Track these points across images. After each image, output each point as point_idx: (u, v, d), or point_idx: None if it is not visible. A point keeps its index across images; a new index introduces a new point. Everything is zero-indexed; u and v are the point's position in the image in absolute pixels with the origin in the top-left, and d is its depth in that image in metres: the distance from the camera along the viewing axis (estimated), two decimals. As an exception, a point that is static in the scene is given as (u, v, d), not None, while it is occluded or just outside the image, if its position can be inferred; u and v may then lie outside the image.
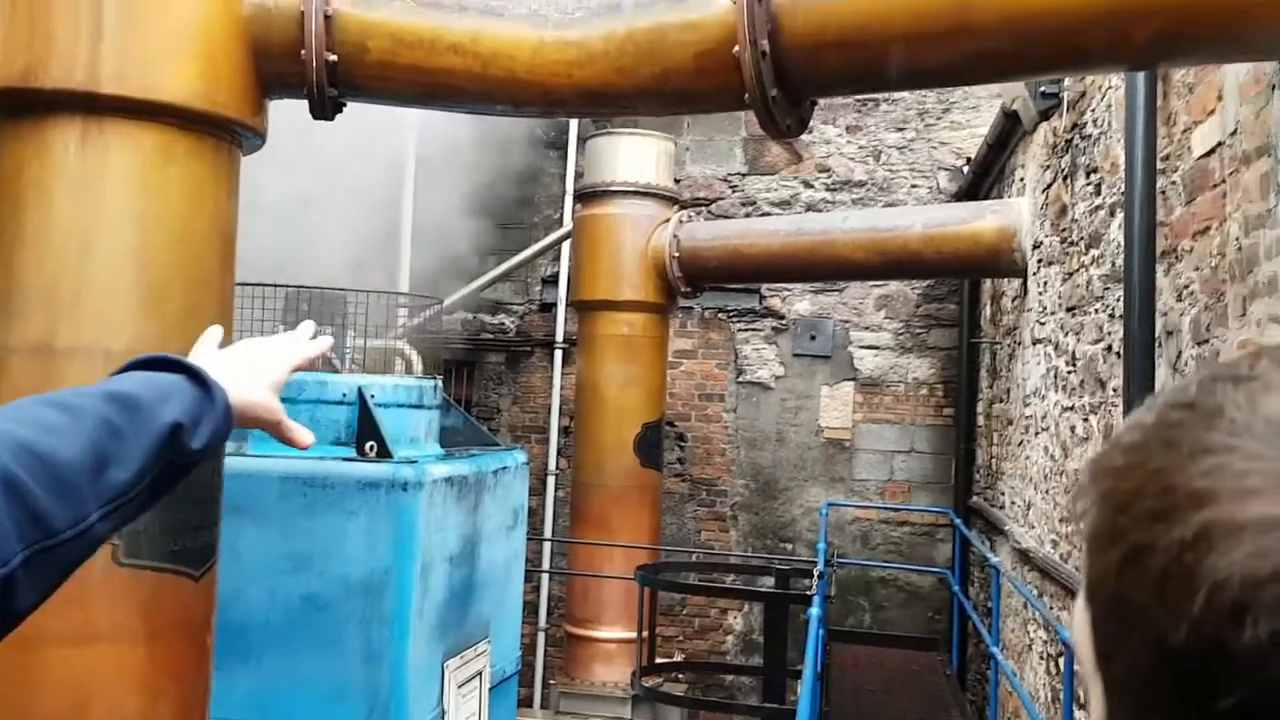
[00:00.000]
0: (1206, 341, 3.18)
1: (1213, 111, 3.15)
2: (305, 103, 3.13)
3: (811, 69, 2.83)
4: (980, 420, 8.37)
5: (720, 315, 9.60)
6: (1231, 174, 2.98)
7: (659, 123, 8.75)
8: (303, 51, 2.99)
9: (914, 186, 9.27)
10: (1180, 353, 3.41)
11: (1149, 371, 3.48)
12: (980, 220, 6.40)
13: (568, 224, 9.21)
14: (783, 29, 2.76)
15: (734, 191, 9.71)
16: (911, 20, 2.64)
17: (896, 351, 9.21)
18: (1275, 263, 2.69)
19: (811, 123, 9.59)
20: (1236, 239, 2.94)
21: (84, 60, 2.76)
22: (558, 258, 9.87)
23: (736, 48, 2.76)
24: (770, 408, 9.42)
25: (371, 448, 5.42)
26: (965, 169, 8.61)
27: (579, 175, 9.21)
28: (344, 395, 5.62)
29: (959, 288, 8.86)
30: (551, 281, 10.06)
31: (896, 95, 9.30)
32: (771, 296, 9.49)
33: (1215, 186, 3.12)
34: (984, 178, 7.92)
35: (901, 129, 9.31)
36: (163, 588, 2.95)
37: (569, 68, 2.96)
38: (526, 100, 3.07)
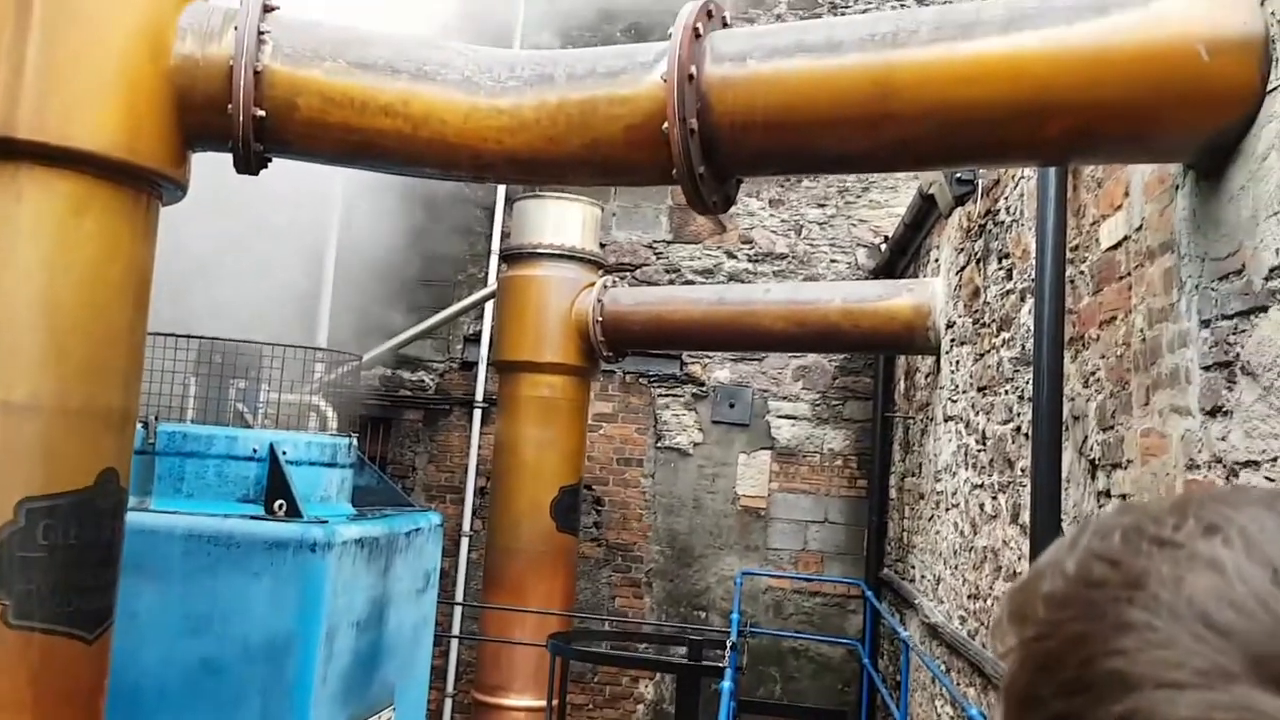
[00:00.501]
0: (1112, 428, 3.28)
1: (1119, 207, 3.28)
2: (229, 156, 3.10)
3: (739, 149, 2.89)
4: (893, 493, 8.49)
5: (641, 380, 9.63)
6: (1136, 268, 3.11)
7: (587, 188, 8.82)
8: (229, 106, 2.96)
9: (834, 261, 9.47)
10: (1086, 438, 3.52)
11: (1056, 455, 3.57)
12: (897, 298, 6.56)
13: (492, 283, 9.20)
14: (712, 108, 2.82)
15: (658, 258, 9.81)
16: (836, 106, 2.72)
17: (813, 422, 9.32)
18: (1178, 355, 2.80)
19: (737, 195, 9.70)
20: (1141, 330, 3.05)
21: (1, 104, 2.69)
22: (481, 316, 9.84)
23: (666, 124, 2.81)
24: (688, 474, 9.44)
25: (281, 506, 5.29)
26: (883, 247, 8.83)
27: (505, 235, 9.23)
28: (254, 451, 5.49)
29: (874, 361, 9.03)
30: (474, 340, 10.01)
31: (819, 172, 9.53)
32: (692, 363, 9.56)
33: (1121, 279, 3.24)
34: (901, 256, 8.13)
35: (823, 205, 9.53)
36: (55, 651, 2.82)
37: (500, 134, 2.98)
38: (456, 164, 3.08)
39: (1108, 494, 3.29)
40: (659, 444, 9.54)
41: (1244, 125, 2.46)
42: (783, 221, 9.62)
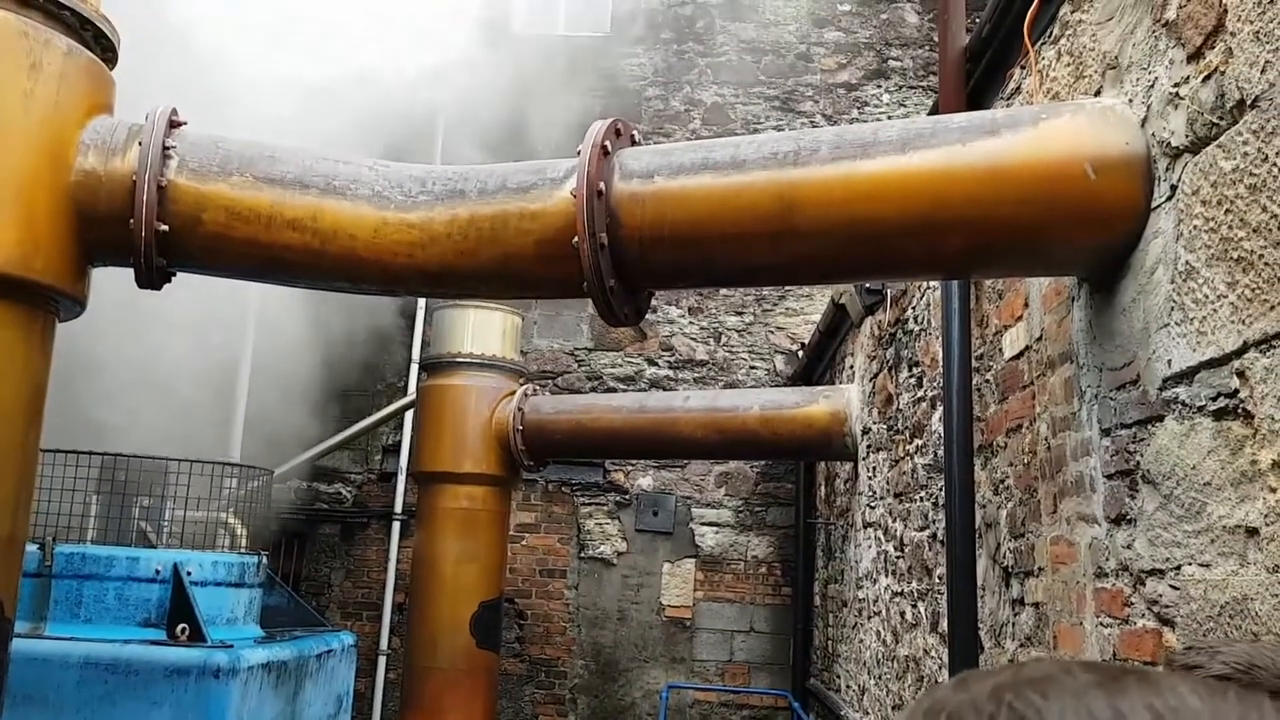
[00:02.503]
0: (1022, 536, 3.31)
1: (1020, 317, 3.37)
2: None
3: (648, 262, 2.91)
4: (817, 600, 8.45)
5: (564, 488, 9.54)
6: (1039, 377, 3.18)
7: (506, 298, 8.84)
8: (131, 220, 2.91)
9: (753, 368, 9.57)
10: (999, 544, 3.54)
11: (970, 562, 3.59)
12: (814, 405, 6.62)
13: (412, 393, 9.10)
14: (621, 224, 2.85)
15: (580, 366, 9.82)
16: (742, 222, 2.76)
17: (737, 529, 9.29)
18: (1081, 463, 2.84)
19: (656, 303, 9.84)
20: (1046, 439, 3.10)
21: (-113, 219, 2.61)
22: (400, 426, 9.70)
23: (576, 239, 2.83)
24: (612, 585, 9.30)
25: (184, 630, 5.07)
26: (800, 354, 8.96)
27: (426, 344, 9.17)
28: (157, 571, 5.28)
29: (796, 468, 9.07)
30: (393, 450, 9.85)
31: (737, 280, 9.69)
32: (615, 471, 9.50)
33: (1025, 387, 3.31)
34: (817, 363, 8.25)
35: (740, 313, 9.67)
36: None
37: (411, 249, 2.97)
38: (366, 278, 3.05)
39: (1021, 601, 3.30)
40: (582, 554, 9.40)
41: (1132, 240, 2.55)
42: (702, 329, 9.72)
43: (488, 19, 9.60)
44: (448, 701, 7.22)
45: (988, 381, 3.71)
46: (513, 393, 7.66)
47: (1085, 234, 2.60)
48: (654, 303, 9.95)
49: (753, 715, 8.91)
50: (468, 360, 7.75)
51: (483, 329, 7.89)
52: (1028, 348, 3.30)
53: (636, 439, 7.26)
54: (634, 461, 9.41)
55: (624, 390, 9.41)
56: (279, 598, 6.72)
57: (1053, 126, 2.61)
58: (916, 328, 4.77)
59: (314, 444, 9.18)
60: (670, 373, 9.67)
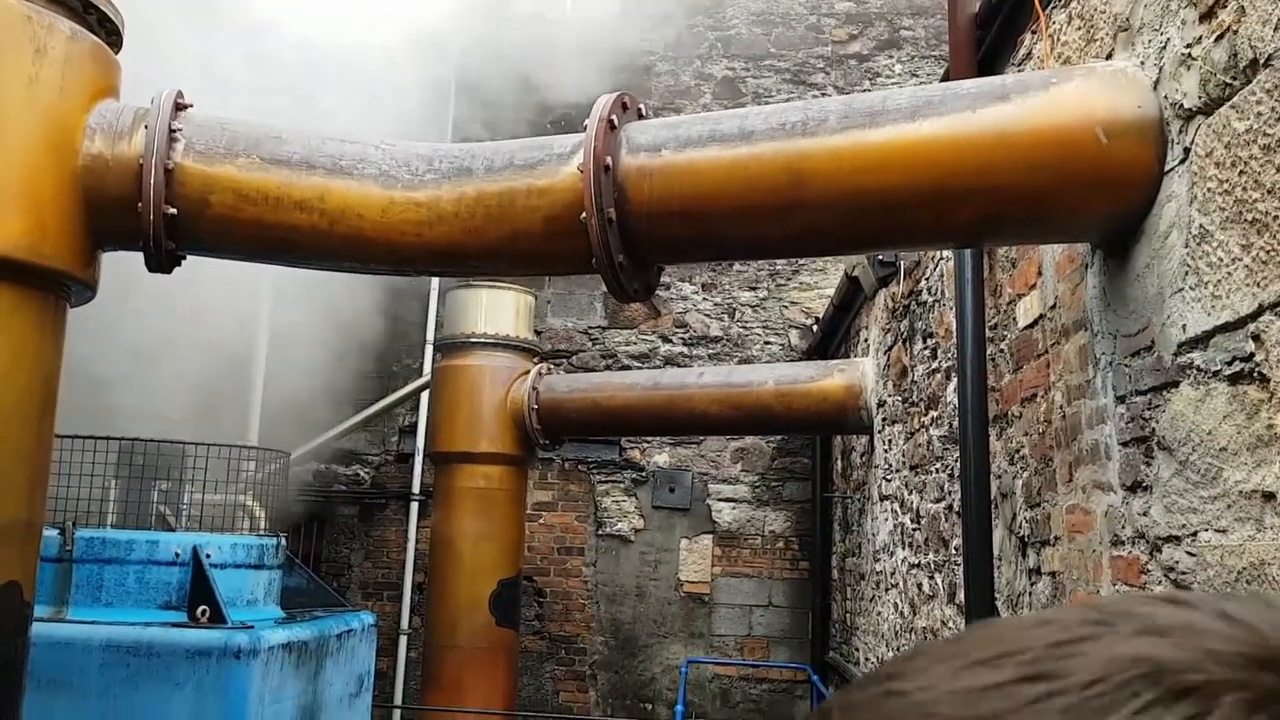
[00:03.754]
0: (1038, 505, 3.29)
1: (1034, 286, 3.34)
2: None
3: (657, 237, 2.90)
4: (835, 574, 8.45)
5: (580, 467, 9.55)
6: (1053, 345, 3.15)
7: (519, 277, 8.83)
8: (140, 204, 2.91)
9: (767, 343, 9.54)
10: (1015, 515, 3.52)
11: (986, 533, 3.57)
12: (829, 378, 6.60)
13: (427, 374, 9.12)
14: (629, 199, 2.83)
15: (594, 344, 9.81)
16: (750, 194, 2.74)
17: (753, 504, 9.28)
18: (1096, 431, 2.82)
19: (669, 280, 9.83)
20: (1061, 407, 3.08)
21: (-103, 207, 2.62)
22: (416, 407, 9.72)
23: (584, 214, 2.81)
24: (630, 561, 9.32)
25: (204, 612, 5.10)
26: (815, 328, 8.92)
27: (439, 325, 9.17)
28: (177, 555, 5.31)
29: (811, 442, 9.05)
30: (409, 432, 9.88)
31: (751, 255, 9.65)
32: (631, 449, 9.51)
33: (1039, 356, 3.28)
34: (832, 337, 8.21)
35: (754, 288, 9.63)
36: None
37: (418, 228, 2.96)
38: (374, 258, 3.05)
39: (1038, 571, 3.28)
40: (600, 531, 9.42)
41: (1145, 205, 2.52)
42: (716, 305, 9.70)
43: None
44: (468, 679, 7.28)
45: (1002, 351, 3.68)
46: (527, 372, 7.67)
47: (1097, 200, 2.57)
48: (666, 279, 9.93)
49: (772, 689, 8.94)
50: (481, 340, 7.76)
51: (496, 309, 7.89)
52: (1042, 316, 3.27)
53: (651, 416, 7.26)
54: (650, 439, 9.41)
55: (638, 368, 9.40)
56: (299, 579, 6.76)
57: (1063, 91, 2.57)
58: (930, 299, 4.73)
59: (331, 426, 9.22)
60: (685, 349, 9.65)
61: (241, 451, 7.08)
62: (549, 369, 7.93)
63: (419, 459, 9.64)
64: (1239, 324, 2.12)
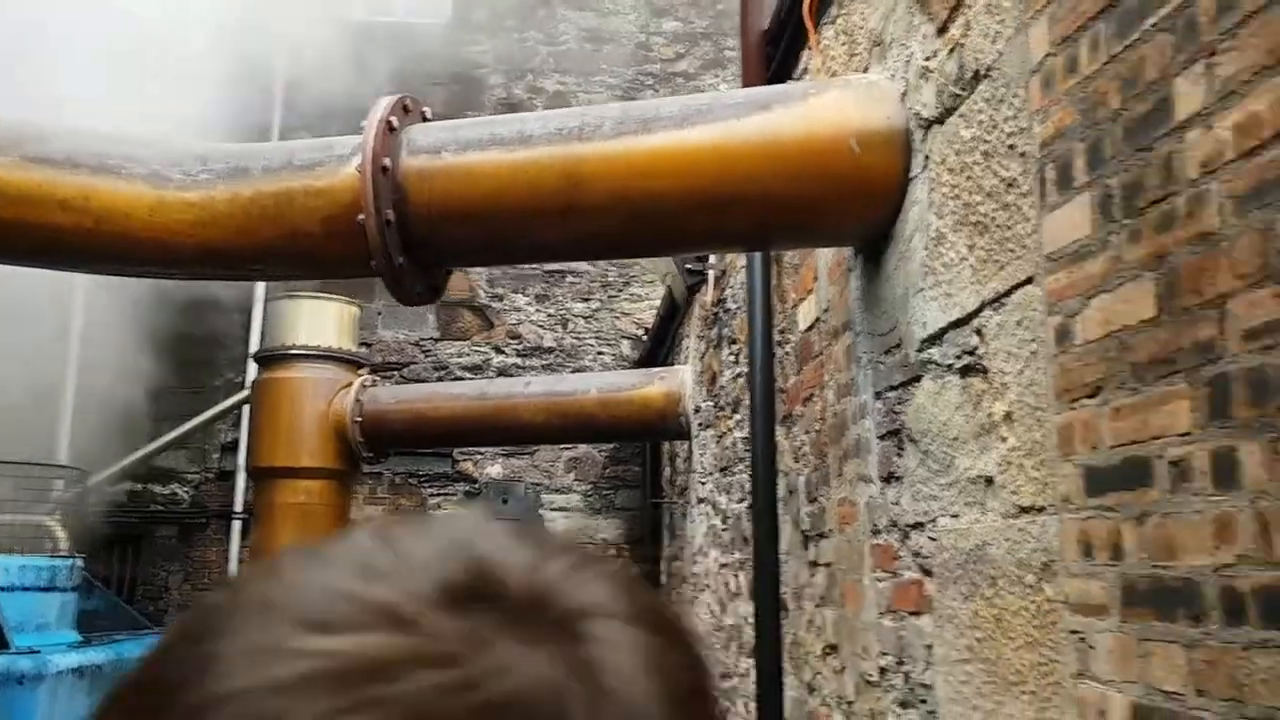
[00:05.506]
0: (816, 500, 3.43)
1: (811, 291, 3.49)
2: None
3: (438, 239, 2.90)
4: (664, 579, 8.56)
5: (411, 480, 9.42)
6: (826, 346, 3.30)
7: (346, 286, 8.68)
8: (-117, 201, 2.75)
9: (600, 353, 9.63)
10: (799, 510, 3.66)
11: (773, 529, 3.70)
12: (650, 386, 6.70)
13: (248, 388, 8.84)
14: (409, 200, 2.83)
15: (426, 356, 9.71)
16: (529, 197, 2.78)
17: (586, 513, 9.34)
18: (859, 426, 2.97)
19: (502, 291, 9.77)
20: (832, 405, 3.22)
21: None
22: (238, 423, 9.41)
23: (361, 215, 2.80)
24: (462, 575, 9.23)
25: (-15, 637, 4.83)
26: (645, 338, 9.05)
27: (263, 338, 8.92)
28: (-42, 578, 5.02)
29: (642, 450, 9.17)
30: (231, 448, 9.56)
31: (580, 268, 9.74)
32: (464, 461, 9.44)
33: (816, 357, 3.43)
34: (660, 346, 8.35)
35: (587, 299, 9.72)
36: None
37: (191, 228, 2.89)
38: (146, 260, 2.96)
39: (816, 563, 3.42)
40: (431, 545, 9.30)
41: (895, 211, 2.67)
42: (549, 316, 9.73)
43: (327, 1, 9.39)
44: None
45: (788, 354, 3.83)
46: (350, 384, 7.52)
47: (854, 206, 2.71)
48: (499, 291, 9.93)
49: (604, 697, 8.99)
50: (303, 352, 7.57)
51: (318, 320, 7.71)
52: (818, 319, 3.42)
53: (478, 426, 7.22)
54: (483, 451, 9.37)
55: (471, 379, 9.34)
56: (101, 601, 6.45)
57: (820, 102, 2.70)
58: (734, 306, 4.88)
59: (149, 444, 8.85)
60: (518, 360, 9.65)
61: (43, 470, 6.74)
62: (374, 381, 7.79)
63: (241, 476, 9.33)
64: (966, 320, 2.27)
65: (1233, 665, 1.41)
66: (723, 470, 5.22)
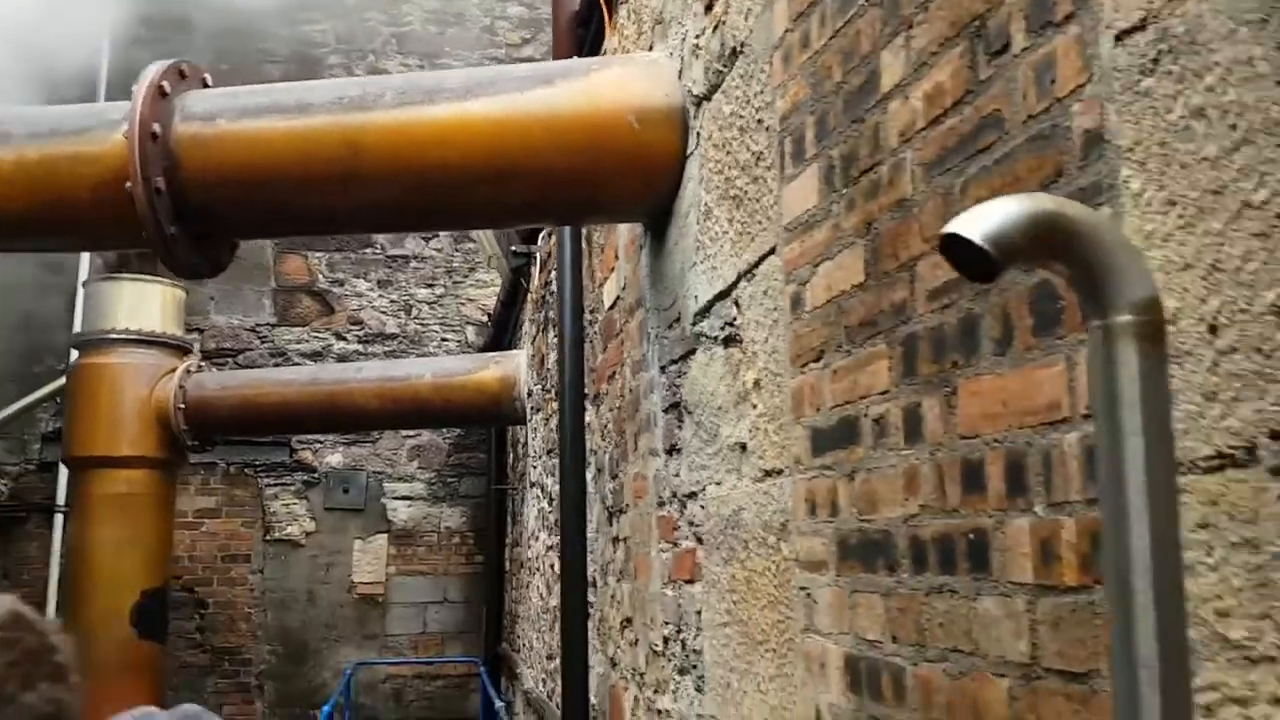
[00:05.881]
0: (616, 476, 3.46)
1: (613, 269, 3.52)
2: None
3: (216, 209, 2.82)
4: (508, 565, 8.54)
5: (247, 471, 9.14)
6: (625, 324, 3.33)
7: (166, 270, 8.35)
8: None
9: (444, 339, 9.52)
10: (605, 487, 3.69)
11: (581, 506, 3.72)
12: (485, 370, 6.66)
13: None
14: (182, 167, 2.74)
15: (263, 342, 9.43)
16: (308, 166, 2.72)
17: (430, 501, 9.23)
18: (649, 401, 3.00)
19: (342, 276, 9.53)
20: (629, 382, 3.26)
21: None
22: (61, 413, 8.95)
23: (129, 183, 2.69)
24: (301, 566, 9.02)
25: None
26: (490, 323, 8.99)
27: (83, 322, 8.50)
28: None
29: (487, 436, 9.11)
30: (53, 439, 9.07)
31: (425, 253, 9.61)
32: (302, 450, 9.21)
33: (617, 335, 3.46)
34: (503, 331, 8.29)
35: (431, 285, 9.59)
36: None
37: (-56, 195, 2.73)
38: (-106, 227, 2.78)
39: (617, 539, 3.46)
40: (268, 537, 9.06)
41: (674, 186, 2.71)
42: (392, 302, 9.57)
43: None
44: (105, 701, 6.74)
45: (597, 333, 3.85)
46: (174, 370, 7.25)
47: (635, 182, 2.73)
48: (340, 275, 9.70)
49: (446, 685, 8.91)
50: (124, 337, 7.25)
51: (140, 303, 7.39)
52: (619, 298, 3.44)
53: (310, 413, 7.05)
54: (322, 439, 9.16)
55: (308, 366, 9.11)
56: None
57: (602, 78, 2.72)
58: (557, 288, 4.88)
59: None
60: (360, 347, 9.46)
61: None
62: (199, 366, 7.52)
63: (64, 468, 8.88)
64: (727, 292, 2.32)
65: (917, 611, 1.48)
66: (549, 453, 5.23)
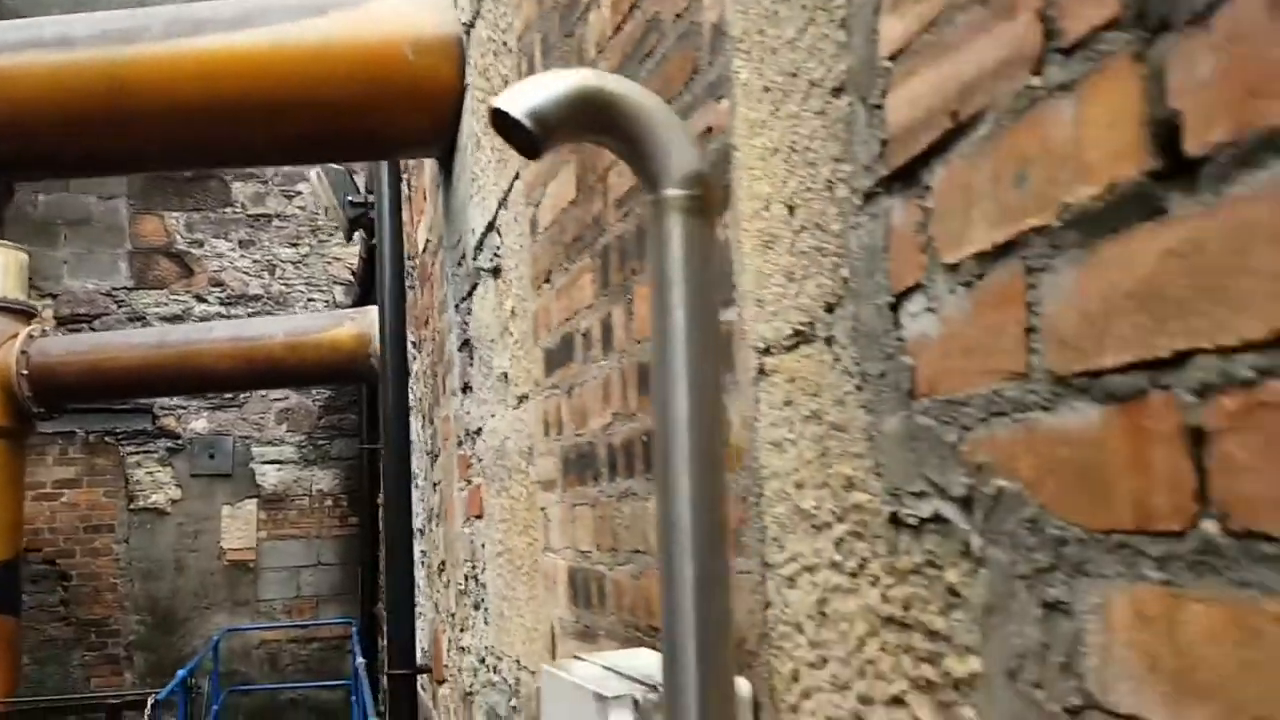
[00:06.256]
0: (433, 421, 3.43)
1: (424, 212, 3.46)
2: None
3: (-24, 151, 2.68)
4: (381, 526, 8.45)
5: (107, 439, 8.85)
6: (431, 266, 3.29)
7: (22, 231, 8.01)
8: None
9: (311, 300, 9.32)
10: (426, 433, 3.66)
11: (405, 452, 3.69)
12: (339, 328, 6.54)
13: (-93, 345, 8.02)
14: (-66, 107, 2.60)
15: (120, 307, 9.10)
16: (72, 104, 2.60)
17: (300, 465, 9.07)
18: (450, 340, 2.98)
19: (202, 237, 9.21)
20: (437, 324, 3.22)
21: None
22: (-98, 385, 8.54)
23: (-125, 123, 2.54)
24: (167, 534, 8.79)
25: None
26: (355, 282, 8.82)
27: (-79, 289, 8.09)
28: None
29: (359, 397, 8.97)
30: (-104, 412, 8.66)
31: (288, 212, 9.37)
32: (165, 416, 8.95)
33: (430, 278, 3.42)
34: (369, 290, 8.14)
35: (295, 244, 9.36)
36: None
37: None
38: None
39: (436, 484, 3.44)
40: (132, 505, 8.80)
41: (456, 119, 2.67)
42: (255, 262, 9.32)
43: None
44: (-46, 677, 6.54)
45: (416, 279, 3.80)
46: (16, 336, 6.96)
47: (415, 116, 2.69)
48: (199, 236, 9.40)
49: (322, 647, 8.82)
50: (-40, 302, 6.94)
51: (-23, 266, 7.08)
52: (429, 240, 3.40)
53: (160, 376, 6.85)
54: (185, 405, 8.91)
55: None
56: None
57: (376, 8, 2.65)
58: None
59: None
60: (222, 309, 9.19)
61: None
62: (43, 331, 7.25)
63: (-93, 442, 8.48)
64: (493, 222, 2.30)
65: (612, 517, 1.49)
66: (393, 405, 5.16)
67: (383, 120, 2.70)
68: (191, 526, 8.82)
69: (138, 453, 8.87)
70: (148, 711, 4.82)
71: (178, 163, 3.19)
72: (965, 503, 0.74)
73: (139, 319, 9.07)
